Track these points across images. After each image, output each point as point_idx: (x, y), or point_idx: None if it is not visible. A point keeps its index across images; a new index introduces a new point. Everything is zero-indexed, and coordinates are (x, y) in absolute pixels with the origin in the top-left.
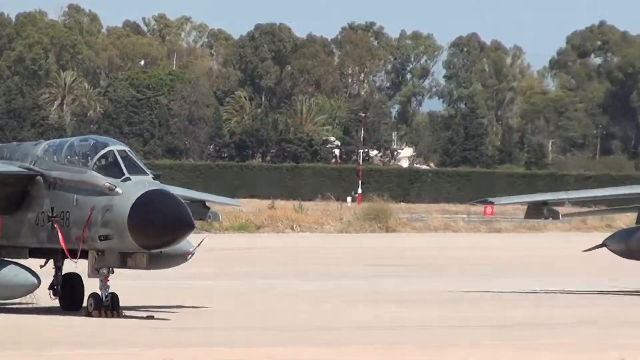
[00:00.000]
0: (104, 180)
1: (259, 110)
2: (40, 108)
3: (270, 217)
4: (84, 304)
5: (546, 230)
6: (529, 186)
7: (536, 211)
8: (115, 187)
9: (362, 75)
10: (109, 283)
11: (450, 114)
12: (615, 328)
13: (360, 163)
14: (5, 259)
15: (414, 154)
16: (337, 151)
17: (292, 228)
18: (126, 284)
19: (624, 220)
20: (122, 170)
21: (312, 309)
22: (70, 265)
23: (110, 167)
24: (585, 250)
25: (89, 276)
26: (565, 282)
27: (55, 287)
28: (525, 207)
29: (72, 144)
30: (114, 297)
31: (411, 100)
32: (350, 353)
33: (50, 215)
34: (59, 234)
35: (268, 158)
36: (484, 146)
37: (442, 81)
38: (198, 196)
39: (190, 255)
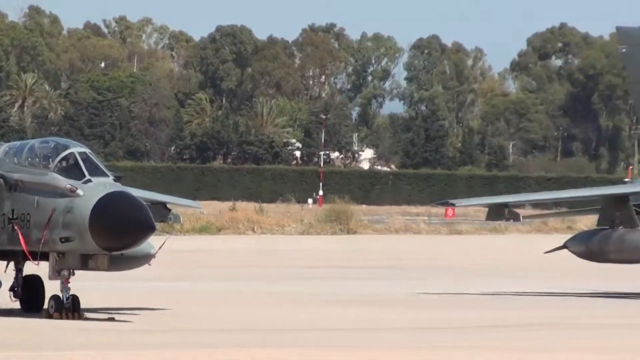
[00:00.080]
0: (65, 182)
1: (220, 112)
2: (0, 110)
3: (231, 219)
4: (45, 306)
5: (507, 232)
6: (489, 188)
7: (497, 213)
8: (76, 189)
9: (323, 77)
10: (69, 285)
11: (411, 115)
12: (576, 330)
13: (321, 165)
14: None
15: (375, 155)
16: (298, 153)
17: (253, 230)
18: (87, 285)
19: (585, 222)
20: (83, 172)
21: (274, 311)
22: (31, 267)
23: (71, 169)
24: (546, 252)
25: (50, 278)
26: (526, 284)
27: (16, 289)
28: (487, 209)
29: (32, 146)
30: (74, 299)
31: (372, 102)
32: (311, 355)
33: (11, 217)
34: (20, 236)
35: (229, 160)
36: (444, 148)
37: (403, 83)
38: (159, 198)
39: (152, 258)
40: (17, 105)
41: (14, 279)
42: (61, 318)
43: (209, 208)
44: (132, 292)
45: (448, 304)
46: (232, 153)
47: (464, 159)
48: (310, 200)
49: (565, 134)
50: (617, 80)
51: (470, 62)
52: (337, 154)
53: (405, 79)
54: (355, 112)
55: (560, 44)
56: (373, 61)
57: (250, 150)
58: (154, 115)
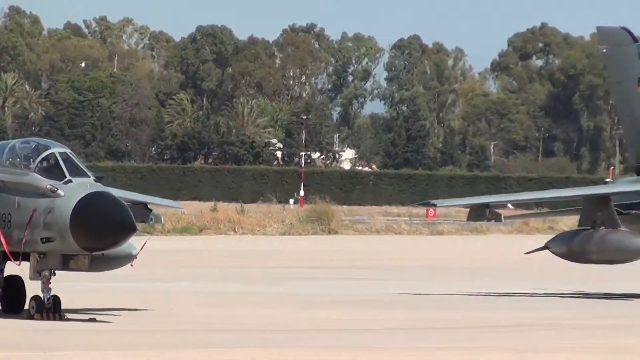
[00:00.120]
0: (46, 183)
1: (201, 112)
2: None
3: (213, 219)
4: (26, 306)
5: (489, 233)
6: (471, 188)
7: (478, 213)
8: (57, 189)
9: (304, 77)
10: (50, 285)
11: (392, 116)
12: (558, 331)
13: (302, 165)
14: None
15: (356, 156)
16: (279, 153)
17: (234, 230)
18: (68, 286)
19: (567, 222)
20: (63, 172)
21: (255, 311)
22: (12, 268)
23: (52, 170)
24: (527, 253)
25: (31, 279)
26: (507, 284)
27: None
28: (468, 209)
29: (13, 146)
30: (55, 300)
31: (353, 103)
32: (293, 355)
33: None
34: (1, 236)
35: (210, 160)
36: (425, 148)
37: (384, 83)
38: (140, 198)
39: (134, 259)
40: None
41: None
42: (42, 319)
43: (190, 208)
44: (113, 292)
45: (429, 305)
46: (213, 153)
47: (445, 159)
48: (291, 201)
49: (547, 134)
50: (598, 81)
51: (451, 62)
52: (318, 154)
53: (386, 79)
54: (336, 113)
55: (541, 44)
56: (354, 61)
57: (231, 151)
58: (134, 115)
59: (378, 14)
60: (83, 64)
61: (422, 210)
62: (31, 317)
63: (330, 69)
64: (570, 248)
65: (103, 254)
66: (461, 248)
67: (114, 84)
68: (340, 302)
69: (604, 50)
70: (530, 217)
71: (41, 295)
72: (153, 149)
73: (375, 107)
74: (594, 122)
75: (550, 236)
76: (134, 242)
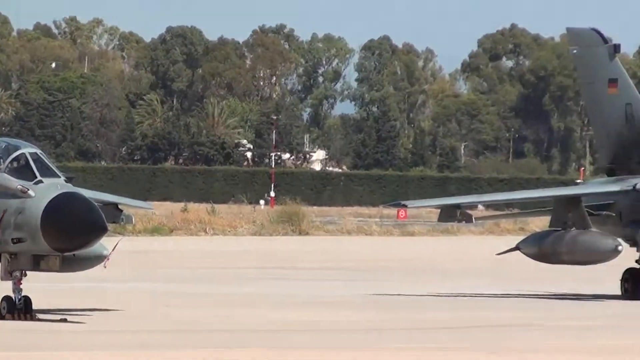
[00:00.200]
0: (16, 183)
1: (171, 113)
2: None
3: (184, 220)
4: None
5: (460, 234)
6: (441, 189)
7: (449, 214)
8: (28, 189)
9: (274, 78)
10: (22, 286)
11: (362, 116)
12: (524, 332)
13: (273, 166)
14: None
15: (327, 156)
16: (249, 154)
17: (205, 231)
18: (39, 286)
19: (537, 223)
20: (34, 172)
21: (226, 312)
22: None
23: (23, 170)
24: (498, 254)
25: (2, 279)
26: (478, 285)
27: None
28: (439, 210)
29: None
30: (27, 300)
31: (323, 103)
32: (264, 355)
33: None
34: None
35: (180, 161)
36: (396, 149)
37: (354, 84)
38: (111, 199)
39: (106, 261)
40: None
41: None
42: (13, 319)
43: (161, 209)
44: (84, 293)
45: (401, 305)
46: (184, 154)
47: (416, 160)
48: (262, 202)
49: (517, 135)
50: (568, 82)
51: (421, 63)
52: (288, 155)
53: (356, 80)
54: (306, 113)
55: (511, 45)
56: (324, 62)
57: (201, 151)
58: (104, 116)
59: (348, 15)
60: (53, 65)
61: (392, 211)
62: (2, 318)
63: (301, 69)
64: (541, 249)
65: (74, 255)
66: (432, 249)
67: (84, 84)
68: (311, 303)
69: (574, 51)
70: (501, 218)
71: (12, 295)
72: (123, 149)
73: (345, 108)
74: (565, 123)
75: (521, 237)
76: (105, 243)
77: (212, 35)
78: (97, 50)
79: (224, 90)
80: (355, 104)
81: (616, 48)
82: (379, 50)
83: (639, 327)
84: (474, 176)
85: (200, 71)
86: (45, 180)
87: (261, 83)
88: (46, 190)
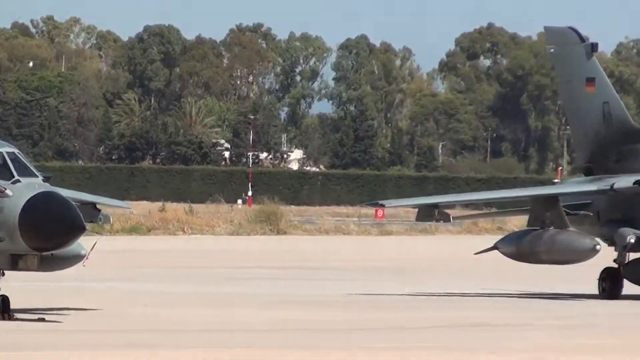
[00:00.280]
0: None
1: (149, 112)
2: None
3: (161, 219)
4: None
5: (437, 233)
6: (419, 189)
7: (427, 214)
8: (5, 189)
9: (251, 77)
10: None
11: (340, 116)
12: (503, 331)
13: (250, 165)
14: None
15: (304, 156)
16: (226, 153)
17: (183, 230)
18: (17, 286)
19: (515, 222)
20: (11, 172)
21: (205, 311)
22: None
23: (0, 170)
24: (476, 253)
25: None
26: (457, 284)
27: None
28: (416, 209)
29: None
30: (4, 300)
31: (300, 103)
32: (244, 355)
33: None
34: None
35: (158, 160)
36: (373, 148)
37: (332, 83)
38: (88, 198)
39: (85, 260)
40: None
41: None
42: None
43: (139, 208)
44: (62, 292)
45: (379, 305)
46: (161, 153)
47: (393, 159)
48: (239, 201)
49: (494, 135)
50: (545, 81)
51: (398, 62)
52: (265, 154)
53: (334, 79)
54: (283, 113)
55: (488, 44)
56: (301, 61)
57: (179, 151)
58: (82, 115)
59: (325, 14)
60: (31, 64)
61: (370, 210)
62: None
63: (278, 68)
64: (519, 248)
65: (52, 254)
66: (410, 248)
67: (61, 83)
68: (289, 303)
69: (552, 50)
70: (479, 218)
71: None
72: (101, 148)
73: (323, 107)
74: (542, 122)
75: (499, 236)
76: (83, 242)
77: (189, 34)
78: (74, 49)
79: (201, 89)
80: (332, 103)
81: (593, 47)
82: (357, 50)
83: (616, 327)
84: (451, 175)
85: (178, 70)
86: (22, 179)
87: (238, 82)
88: (24, 189)
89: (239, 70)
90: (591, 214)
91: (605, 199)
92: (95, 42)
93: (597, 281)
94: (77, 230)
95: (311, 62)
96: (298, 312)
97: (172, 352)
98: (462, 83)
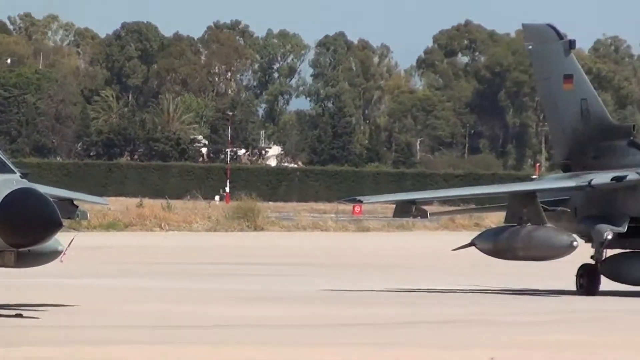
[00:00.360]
0: None
1: (126, 109)
2: None
3: (139, 215)
4: None
5: (415, 229)
6: (397, 185)
7: (404, 210)
8: None
9: (229, 74)
10: None
11: (318, 112)
12: (480, 327)
13: (228, 162)
14: None
15: (282, 152)
16: (204, 150)
17: (160, 227)
18: None
19: (493, 219)
20: None
21: (183, 308)
22: None
23: None
24: (454, 249)
25: None
26: (433, 281)
27: None
28: (394, 205)
29: None
30: None
31: (278, 99)
32: (222, 352)
33: None
34: None
35: (136, 157)
36: (351, 145)
37: (309, 80)
38: (66, 195)
39: (62, 255)
40: None
41: None
42: None
43: (116, 205)
44: (39, 288)
45: (356, 301)
46: (139, 150)
47: (371, 155)
48: (217, 197)
49: (472, 131)
50: (523, 77)
51: (376, 59)
52: (243, 150)
53: (312, 75)
54: (261, 109)
55: (466, 41)
56: (279, 58)
57: (157, 147)
58: (60, 111)
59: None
60: (9, 61)
61: (348, 206)
62: None
63: (256, 65)
64: (496, 245)
65: (29, 250)
66: (387, 244)
67: (39, 80)
68: (266, 299)
69: (530, 47)
70: (457, 214)
71: None
72: (79, 145)
73: (300, 104)
74: (520, 118)
75: (477, 233)
76: (60, 239)
77: (167, 31)
78: (52, 46)
79: (179, 86)
80: (310, 100)
81: (571, 44)
82: (334, 46)
83: (593, 323)
84: (429, 172)
85: (156, 67)
86: (0, 176)
87: (216, 79)
88: (1, 186)
89: (216, 67)
90: (569, 210)
91: (583, 195)
92: (73, 39)
93: (574, 277)
94: (55, 226)
95: (289, 59)
96: (275, 308)
97: (149, 347)
98: (440, 80)
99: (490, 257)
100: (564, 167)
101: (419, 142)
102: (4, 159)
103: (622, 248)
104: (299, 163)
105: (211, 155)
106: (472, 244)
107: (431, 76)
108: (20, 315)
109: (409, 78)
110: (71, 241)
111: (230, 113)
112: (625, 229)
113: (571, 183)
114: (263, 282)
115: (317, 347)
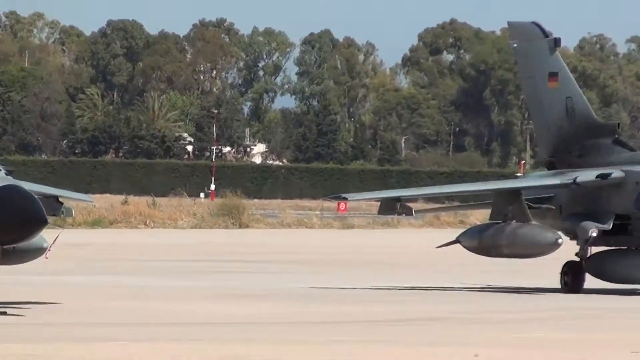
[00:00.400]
0: None
1: (112, 106)
2: None
3: (124, 212)
4: None
5: (400, 227)
6: (381, 182)
7: (389, 207)
8: None
9: (215, 72)
10: None
11: (303, 110)
12: (466, 325)
13: (213, 159)
14: None
15: (267, 150)
16: (189, 147)
17: (145, 224)
18: None
19: (477, 216)
20: None
21: (167, 305)
22: None
23: None
24: (438, 247)
25: None
26: (418, 278)
27: None
28: (379, 203)
29: None
30: None
31: (263, 97)
32: (203, 349)
33: None
34: None
35: (121, 154)
36: (336, 142)
37: (295, 78)
38: (51, 192)
39: (47, 252)
40: None
41: None
42: None
43: (101, 202)
44: (24, 285)
45: (343, 299)
46: (124, 147)
47: (356, 153)
48: (202, 195)
49: (457, 129)
50: (508, 75)
51: (361, 57)
52: (229, 148)
53: (297, 73)
54: (246, 107)
55: (451, 39)
56: (264, 56)
57: (142, 145)
58: (45, 109)
59: (289, 9)
60: None
61: (333, 204)
62: None
63: (241, 63)
64: (481, 242)
65: (14, 247)
66: (372, 242)
67: (24, 78)
68: (251, 296)
69: (515, 45)
70: (441, 211)
71: None
72: (64, 142)
73: (286, 102)
74: (505, 116)
75: (461, 230)
76: (45, 236)
77: (152, 29)
78: (37, 44)
79: (164, 84)
80: (295, 98)
81: (556, 42)
82: (320, 44)
83: (578, 320)
84: (414, 169)
85: (141, 65)
86: None
87: (202, 77)
88: None
89: (202, 65)
90: (553, 208)
91: (568, 192)
92: (58, 36)
93: (559, 275)
94: (40, 223)
95: (274, 57)
96: (262, 305)
97: (132, 345)
98: (425, 78)
99: (475, 254)
100: (549, 164)
101: (404, 140)
102: None
103: (607, 245)
104: (284, 160)
105: (196, 152)
106: (456, 241)
107: (416, 74)
108: (4, 313)
109: (394, 76)
110: (56, 238)
111: (216, 111)
112: (611, 226)
113: (556, 181)
114: (248, 280)
115: (306, 345)
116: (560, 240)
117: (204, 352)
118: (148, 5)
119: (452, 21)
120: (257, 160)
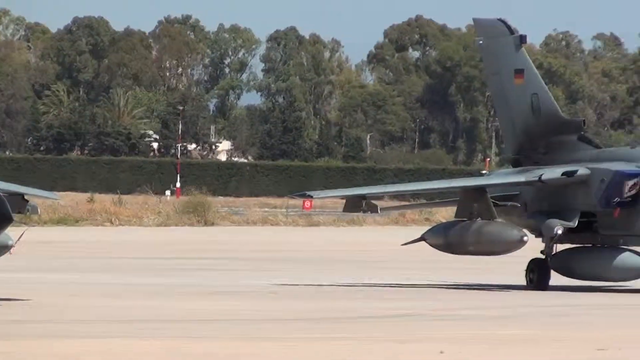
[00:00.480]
0: None
1: (77, 103)
2: None
3: (89, 210)
4: None
5: (365, 224)
6: (347, 180)
7: (355, 205)
8: None
9: (180, 68)
10: None
11: (268, 107)
12: (432, 321)
13: (179, 157)
14: None
15: (232, 147)
16: (155, 145)
17: (111, 222)
18: None
19: (443, 214)
20: None
21: (133, 302)
22: None
23: None
24: (404, 244)
25: None
26: (383, 275)
27: None
28: (344, 200)
29: None
30: None
31: (229, 94)
32: (175, 345)
33: None
34: None
35: (86, 151)
36: (302, 140)
37: (260, 75)
38: (16, 189)
39: (11, 249)
40: None
41: None
42: None
43: (67, 199)
44: None
45: (309, 296)
46: (89, 144)
47: (321, 150)
48: (167, 192)
49: (423, 126)
50: (474, 72)
51: (327, 53)
52: (194, 145)
53: (263, 70)
54: (212, 104)
55: (417, 36)
56: (230, 53)
57: (107, 142)
58: (10, 106)
59: (254, 6)
60: None
61: (298, 201)
62: None
63: (207, 60)
64: (446, 239)
65: None
66: (338, 239)
67: None
68: (218, 293)
69: (481, 42)
70: (407, 209)
71: None
72: (29, 140)
73: (251, 99)
74: (470, 113)
75: (427, 227)
76: (10, 233)
77: (118, 26)
78: (2, 41)
79: (130, 80)
80: (261, 95)
81: (522, 39)
82: (285, 41)
83: (544, 317)
84: (379, 167)
85: (107, 62)
86: None
87: (167, 74)
88: None
89: (167, 62)
90: (519, 205)
91: (533, 190)
92: (23, 33)
93: (524, 272)
94: (5, 221)
95: (240, 54)
96: (226, 302)
97: (101, 341)
98: (390, 74)
99: (440, 251)
100: (514, 162)
101: (369, 136)
102: None
103: (572, 243)
104: (249, 158)
105: (162, 150)
106: (422, 238)
107: (382, 71)
108: None
109: (360, 73)
110: (21, 235)
111: (181, 108)
112: (576, 224)
113: (521, 178)
114: (214, 277)
115: (271, 342)
116: (525, 238)
117: (176, 349)
118: (114, 2)
119: (418, 18)
120: (223, 157)
